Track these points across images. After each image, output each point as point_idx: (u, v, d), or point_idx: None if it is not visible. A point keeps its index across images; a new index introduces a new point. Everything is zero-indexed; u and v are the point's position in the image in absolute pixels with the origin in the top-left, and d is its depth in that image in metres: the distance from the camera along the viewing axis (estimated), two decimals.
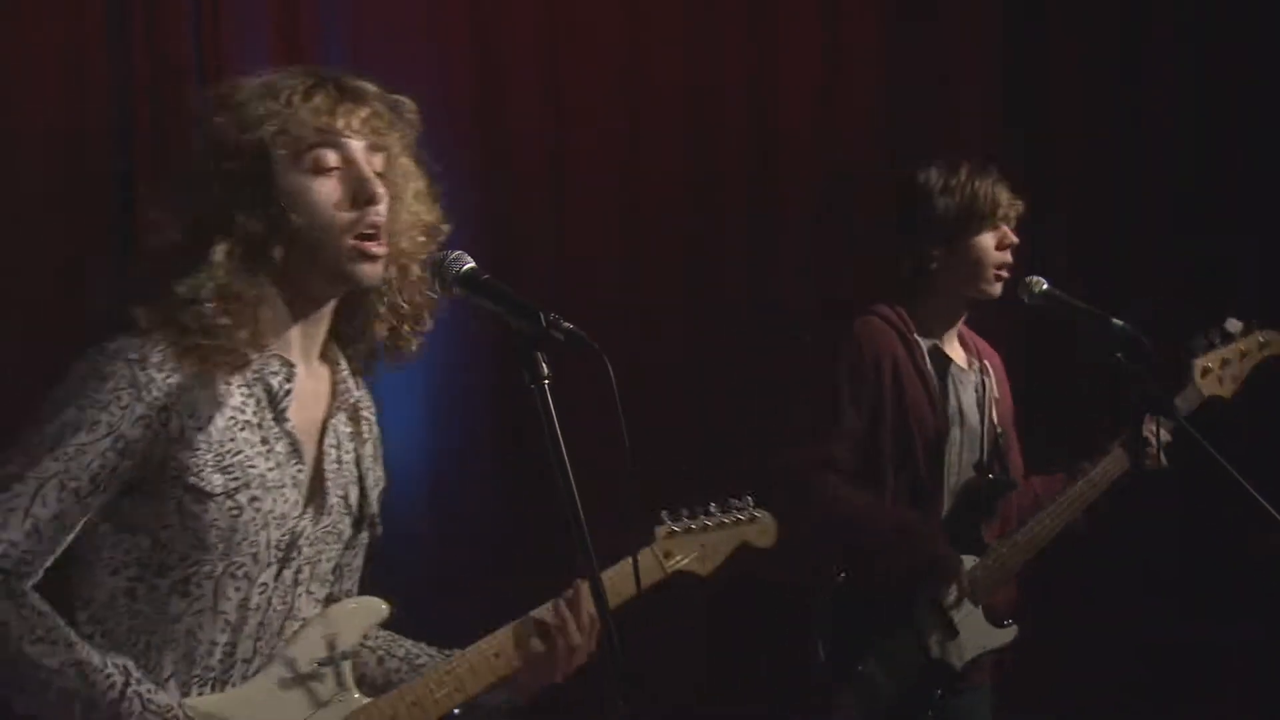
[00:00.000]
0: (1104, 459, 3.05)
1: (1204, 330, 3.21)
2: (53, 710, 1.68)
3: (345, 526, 1.90)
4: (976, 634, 2.97)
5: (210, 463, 1.73)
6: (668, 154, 8.55)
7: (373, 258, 1.79)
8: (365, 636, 1.95)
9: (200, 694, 1.76)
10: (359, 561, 1.96)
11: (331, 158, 1.78)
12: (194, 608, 1.75)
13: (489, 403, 5.33)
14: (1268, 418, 3.54)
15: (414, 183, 1.90)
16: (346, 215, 1.78)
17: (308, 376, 1.86)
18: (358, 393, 1.96)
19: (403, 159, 1.88)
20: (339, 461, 1.89)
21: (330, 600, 1.89)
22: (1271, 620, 4.94)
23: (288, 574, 1.81)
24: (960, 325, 3.11)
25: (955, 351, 3.08)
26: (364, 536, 1.95)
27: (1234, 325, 3.18)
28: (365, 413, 1.98)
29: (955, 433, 3.01)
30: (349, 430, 1.93)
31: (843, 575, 2.99)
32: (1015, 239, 3.03)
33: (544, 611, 2.02)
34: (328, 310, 1.86)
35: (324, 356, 1.91)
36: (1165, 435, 3.00)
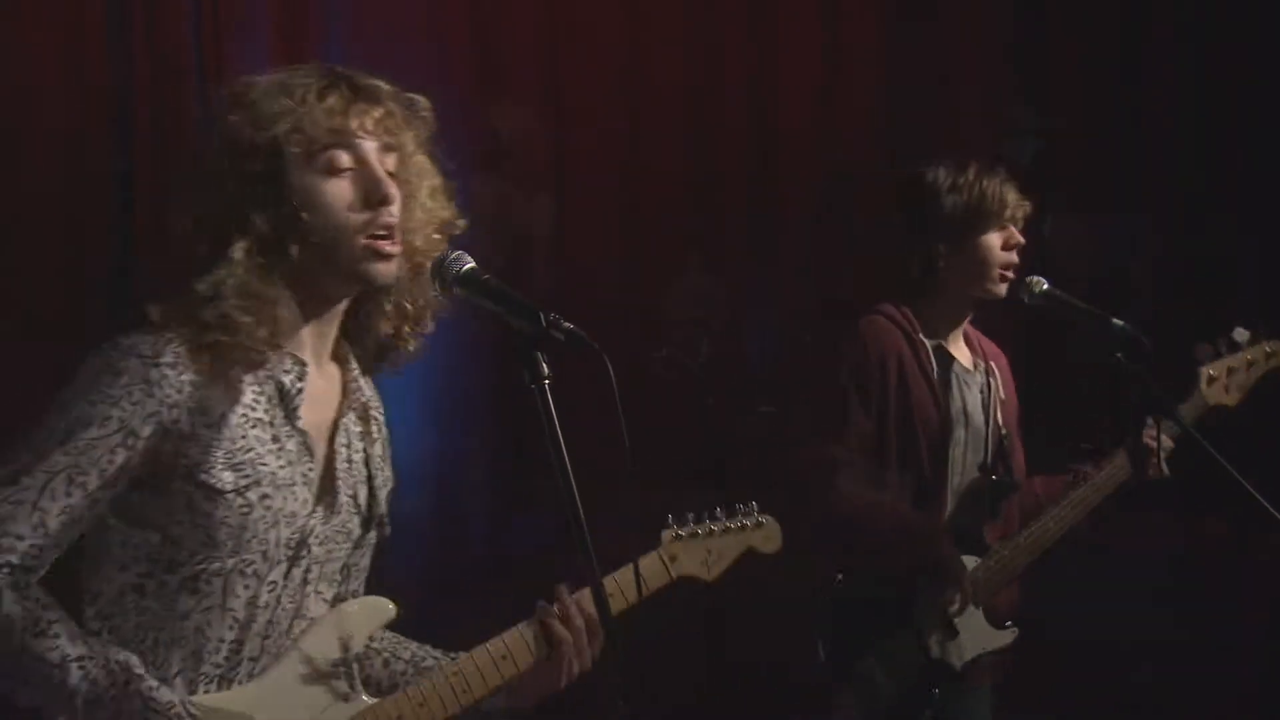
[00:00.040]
0: (1108, 464, 3.04)
1: (1211, 338, 3.21)
2: (56, 704, 1.68)
3: (354, 526, 1.90)
4: (977, 635, 2.96)
5: (221, 460, 1.72)
6: (668, 154, 8.56)
7: (386, 257, 1.78)
8: (371, 638, 1.95)
9: (206, 691, 1.76)
10: (366, 562, 1.96)
11: (344, 159, 1.78)
12: (203, 605, 1.75)
13: (489, 403, 5.34)
14: (1267, 418, 3.53)
15: (428, 180, 1.89)
16: (359, 216, 1.78)
17: (319, 375, 1.86)
18: (369, 392, 1.96)
19: (417, 157, 1.87)
20: (349, 461, 1.89)
21: (337, 600, 1.89)
22: (1272, 620, 4.94)
23: (297, 573, 1.81)
24: (966, 325, 3.10)
25: (960, 352, 3.08)
26: (372, 536, 1.94)
27: (1241, 334, 3.18)
28: (375, 413, 1.98)
29: (959, 432, 3.01)
30: (359, 430, 1.93)
31: (840, 577, 2.99)
32: (1022, 239, 3.03)
33: (550, 616, 2.01)
34: (340, 309, 1.86)
35: (335, 356, 1.91)
36: (1168, 442, 2.99)
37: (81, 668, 1.66)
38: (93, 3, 7.45)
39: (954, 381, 3.02)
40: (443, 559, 5.18)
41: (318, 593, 1.84)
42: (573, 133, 7.68)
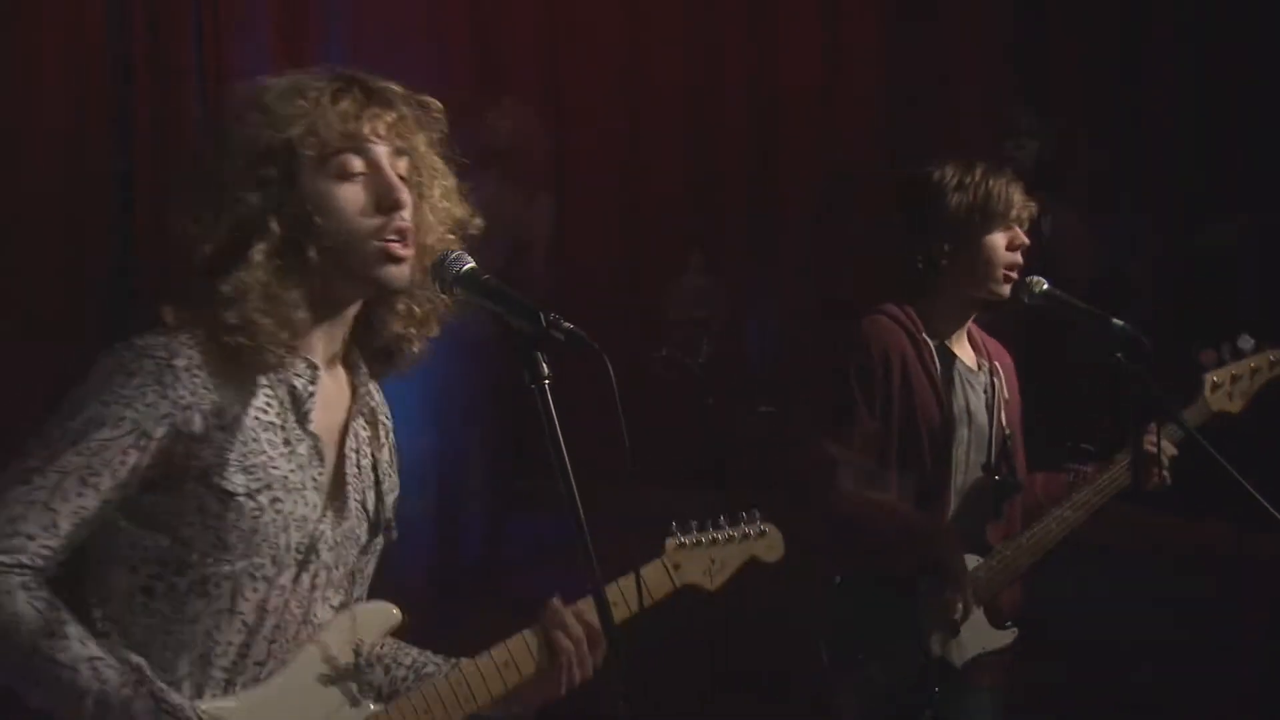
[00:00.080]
0: (1110, 467, 3.04)
1: (1211, 340, 3.22)
2: (65, 706, 1.68)
3: (362, 532, 1.89)
4: (977, 634, 2.96)
5: (233, 462, 1.72)
6: (668, 154, 8.58)
7: (398, 260, 1.78)
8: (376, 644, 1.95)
9: (213, 695, 1.75)
10: (370, 569, 1.95)
11: (357, 163, 1.78)
12: (212, 608, 1.74)
13: (489, 403, 5.34)
14: (1267, 419, 3.54)
15: (440, 181, 1.89)
16: (372, 221, 1.78)
17: (329, 379, 1.85)
18: (378, 398, 1.96)
19: (429, 159, 1.87)
20: (358, 466, 1.89)
21: (343, 606, 1.89)
22: (1272, 620, 4.94)
23: (305, 578, 1.80)
24: (970, 325, 3.10)
25: (964, 351, 3.08)
26: (378, 543, 1.94)
27: (1246, 342, 3.19)
28: (383, 418, 1.98)
29: (963, 432, 3.01)
30: (367, 435, 1.92)
31: (839, 580, 2.99)
32: (1026, 240, 3.02)
33: (553, 625, 2.01)
34: (351, 313, 1.86)
35: (344, 360, 1.91)
36: (1170, 449, 2.99)
37: (93, 668, 1.66)
38: (93, 3, 7.45)
39: (957, 381, 3.01)
40: (441, 560, 5.18)
41: (325, 598, 1.84)
42: (573, 133, 7.69)
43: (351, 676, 1.84)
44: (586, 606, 1.98)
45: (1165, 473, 2.94)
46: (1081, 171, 6.36)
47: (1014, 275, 2.96)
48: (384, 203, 1.76)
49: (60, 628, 1.66)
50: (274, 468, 1.74)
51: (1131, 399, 2.81)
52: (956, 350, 3.04)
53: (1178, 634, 4.82)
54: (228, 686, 1.75)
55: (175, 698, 1.68)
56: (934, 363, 2.97)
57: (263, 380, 1.76)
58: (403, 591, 2.01)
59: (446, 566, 5.03)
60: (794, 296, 7.54)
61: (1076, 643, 4.69)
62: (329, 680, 1.82)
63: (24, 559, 1.66)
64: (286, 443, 1.77)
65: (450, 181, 1.87)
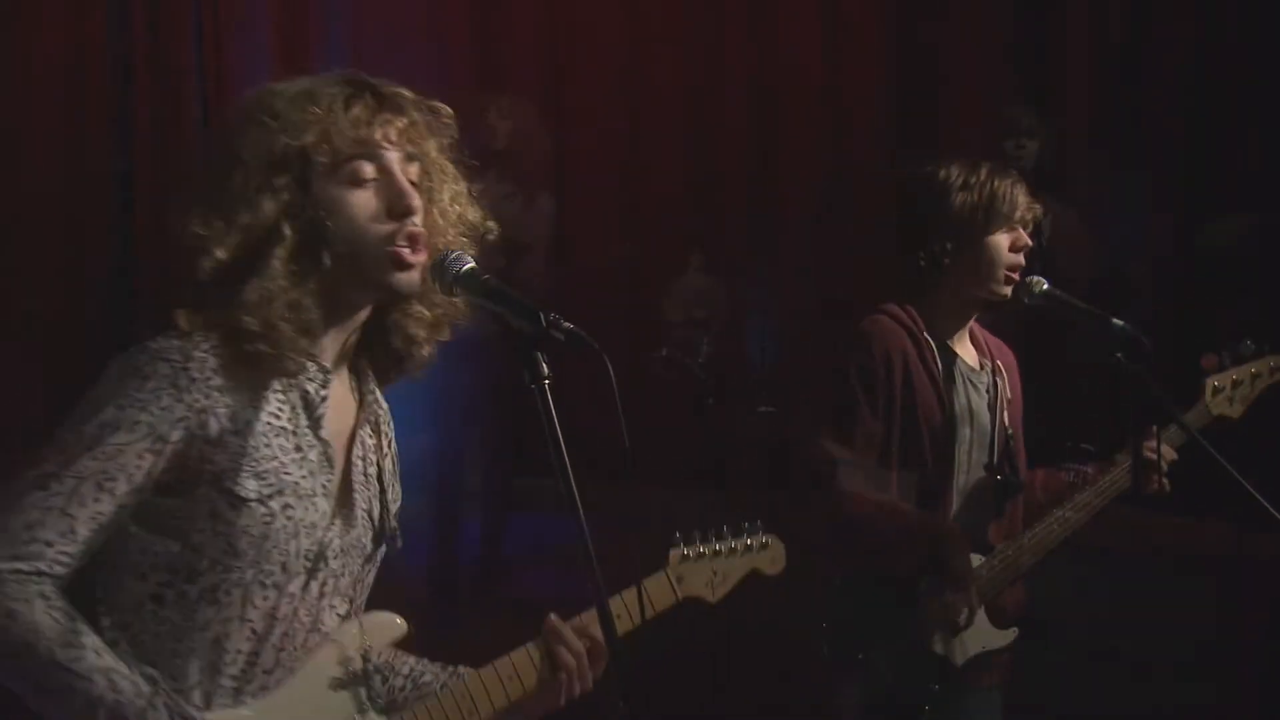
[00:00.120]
0: (1112, 469, 3.05)
1: (1212, 342, 3.23)
2: (79, 716, 1.68)
3: (367, 541, 1.89)
4: (979, 633, 2.97)
5: (246, 467, 1.72)
6: (668, 154, 8.58)
7: (409, 266, 1.79)
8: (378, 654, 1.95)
9: (223, 704, 1.75)
10: (371, 578, 1.95)
11: (368, 169, 1.79)
12: (222, 615, 1.74)
13: (489, 403, 5.34)
14: (1267, 420, 3.54)
15: (452, 184, 1.90)
16: (384, 227, 1.78)
17: (338, 385, 1.86)
18: (383, 404, 1.96)
19: (440, 162, 1.87)
20: (365, 475, 1.89)
21: (349, 614, 1.89)
22: (1272, 620, 4.94)
23: (314, 585, 1.80)
24: (972, 325, 3.10)
25: (966, 351, 3.08)
26: (381, 552, 1.94)
27: (1247, 347, 3.20)
28: (385, 427, 1.98)
29: (965, 431, 3.01)
30: (373, 443, 1.93)
31: (839, 580, 2.99)
32: (1030, 242, 3.03)
33: (556, 640, 2.01)
34: (361, 318, 1.86)
35: (351, 367, 1.91)
36: (1170, 453, 2.99)
37: (108, 679, 1.65)
38: (93, 3, 7.45)
39: (958, 380, 3.01)
40: (441, 560, 5.18)
41: (332, 606, 1.84)
42: (573, 133, 7.69)
43: (358, 686, 1.85)
44: (589, 620, 1.98)
45: (1164, 479, 2.94)
46: (1082, 172, 6.37)
47: (1015, 276, 2.96)
48: (396, 208, 1.76)
49: (77, 638, 1.65)
50: (286, 473, 1.74)
51: (1131, 399, 2.82)
52: (958, 350, 3.04)
53: (1177, 635, 4.82)
54: (237, 695, 1.75)
55: (189, 710, 1.68)
56: (935, 362, 2.97)
57: (275, 385, 1.75)
58: (402, 592, 2.01)
59: (446, 566, 5.02)
60: (794, 296, 7.54)
61: (1076, 643, 4.69)
62: (337, 689, 1.82)
63: (42, 566, 1.65)
64: (298, 448, 1.76)
65: (461, 186, 1.87)
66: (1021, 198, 2.98)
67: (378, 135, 1.77)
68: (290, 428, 1.76)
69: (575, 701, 2.01)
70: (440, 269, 1.76)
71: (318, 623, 1.82)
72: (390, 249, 1.75)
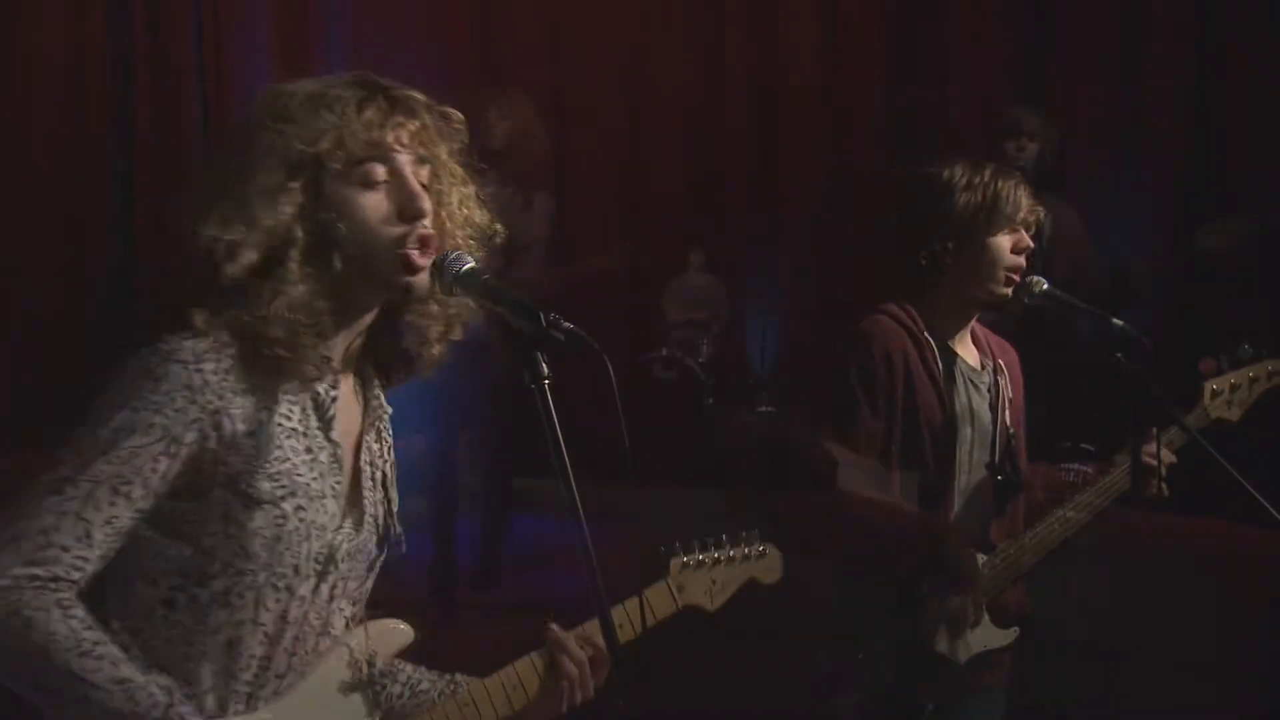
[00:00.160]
0: (1112, 469, 3.05)
1: (1214, 352, 3.24)
2: None
3: (372, 545, 1.90)
4: (981, 632, 2.97)
5: (260, 469, 1.71)
6: (668, 154, 8.59)
7: (418, 269, 1.79)
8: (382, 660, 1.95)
9: (236, 709, 1.75)
10: (371, 583, 1.95)
11: (380, 172, 1.78)
12: (234, 619, 1.73)
13: (489, 403, 5.34)
14: (1267, 420, 3.55)
15: (461, 188, 1.90)
16: (395, 230, 1.78)
17: (345, 387, 1.86)
18: (389, 408, 1.96)
19: (450, 166, 1.87)
20: (372, 480, 1.89)
21: (354, 617, 1.89)
22: (1272, 620, 4.95)
23: (324, 588, 1.80)
24: (973, 324, 3.11)
25: (967, 351, 3.08)
26: (383, 556, 1.94)
27: (1245, 351, 3.21)
28: (386, 433, 1.98)
29: (966, 431, 3.01)
30: (378, 447, 1.93)
31: (839, 580, 2.99)
32: (1031, 244, 3.04)
33: (559, 649, 2.02)
34: (367, 320, 1.86)
35: (356, 370, 1.91)
36: (1169, 456, 3.00)
37: (125, 690, 1.64)
38: (93, 3, 7.45)
39: (959, 380, 3.02)
40: (441, 560, 5.18)
41: (340, 609, 1.84)
42: (573, 133, 7.69)
43: (365, 691, 1.85)
44: (592, 630, 1.99)
45: (1163, 485, 2.95)
46: (1082, 172, 6.36)
47: (1016, 278, 2.97)
48: (406, 211, 1.76)
49: (95, 648, 1.64)
50: (298, 475, 1.74)
51: (1132, 399, 2.82)
52: (959, 350, 3.04)
53: (1177, 634, 4.82)
54: (250, 699, 1.75)
55: None
56: (936, 363, 2.97)
57: (286, 386, 1.75)
58: (401, 592, 2.01)
59: (445, 566, 5.02)
60: (794, 296, 7.55)
61: (1076, 643, 4.69)
62: (347, 694, 1.83)
63: (59, 571, 1.64)
64: (309, 450, 1.76)
65: (470, 189, 1.87)
66: (1025, 200, 2.98)
67: (390, 138, 1.77)
68: (301, 429, 1.76)
69: (576, 708, 2.02)
70: (440, 269, 1.76)
71: (328, 626, 1.82)
72: (401, 251, 1.75)
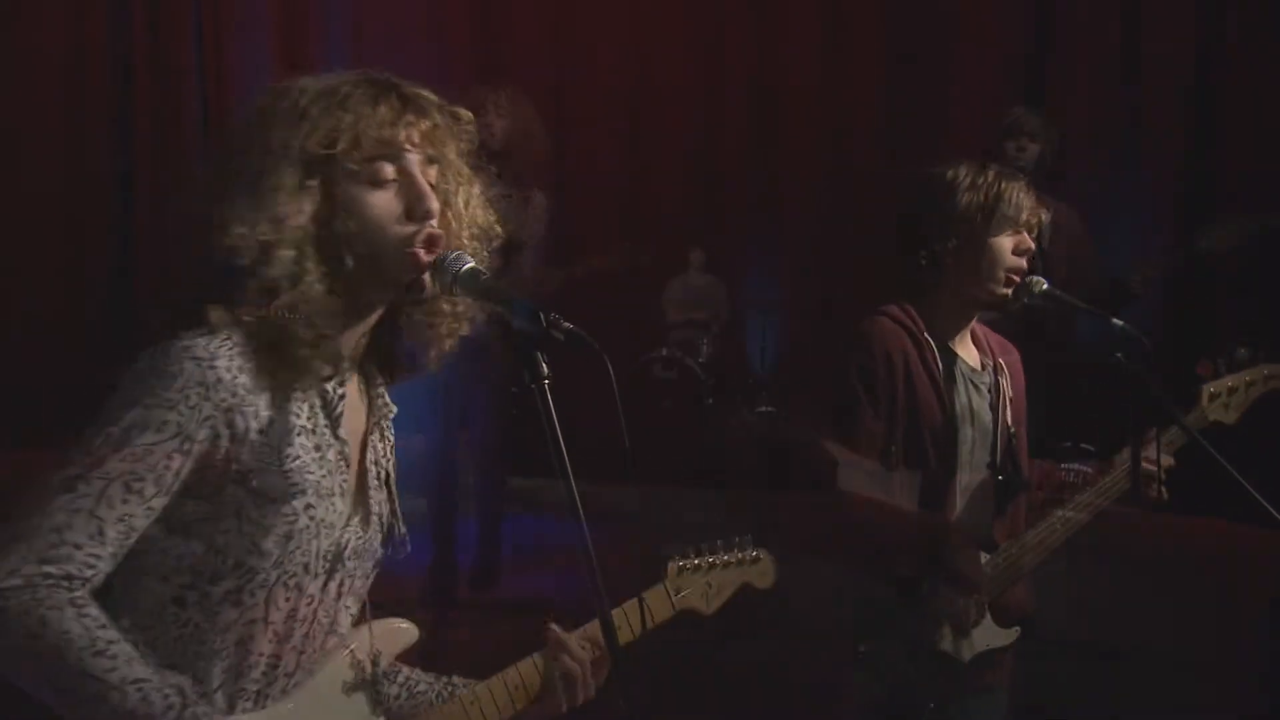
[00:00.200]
0: (1112, 470, 3.06)
1: (1212, 356, 3.25)
2: None
3: (377, 543, 1.90)
4: (983, 631, 2.97)
5: (272, 466, 1.71)
6: (668, 154, 8.60)
7: (426, 268, 1.79)
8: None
9: (244, 708, 1.75)
10: (370, 581, 1.96)
11: (389, 170, 1.78)
12: (245, 617, 1.73)
13: (488, 403, 5.33)
14: (1267, 420, 3.55)
15: (468, 188, 1.90)
16: (403, 229, 1.78)
17: (350, 385, 1.86)
18: (393, 407, 1.96)
19: (459, 165, 1.88)
20: (378, 479, 1.89)
21: (359, 615, 1.89)
22: (1272, 620, 4.95)
23: (332, 585, 1.80)
24: (974, 325, 3.11)
25: (967, 351, 3.08)
26: (385, 555, 1.94)
27: (1242, 354, 3.22)
28: (388, 433, 1.98)
29: (966, 431, 3.01)
30: (383, 446, 1.93)
31: (839, 580, 2.99)
32: (1032, 246, 3.04)
33: (561, 650, 2.03)
34: (374, 319, 1.86)
35: (361, 368, 1.91)
36: (1168, 460, 3.00)
37: (139, 690, 1.64)
38: (93, 3, 7.45)
39: (959, 381, 3.02)
40: (439, 559, 5.17)
41: (346, 607, 1.84)
42: (573, 133, 7.70)
43: (368, 691, 1.85)
44: (593, 631, 1.99)
45: (1163, 488, 2.95)
46: (1082, 172, 6.36)
47: (1016, 279, 2.97)
48: (415, 210, 1.76)
49: (109, 647, 1.64)
50: (308, 472, 1.73)
51: (1131, 399, 2.82)
52: (959, 350, 3.05)
53: (1177, 634, 4.82)
54: (258, 698, 1.75)
55: None
56: (936, 363, 2.98)
57: (297, 384, 1.75)
58: (400, 591, 2.01)
59: (445, 566, 5.02)
60: (794, 296, 7.55)
61: (1076, 643, 4.69)
62: (352, 693, 1.83)
63: (71, 569, 1.63)
64: (317, 448, 1.76)
65: (477, 189, 1.87)
66: (1027, 201, 2.98)
67: (401, 137, 1.77)
68: (310, 426, 1.76)
69: (576, 709, 2.03)
70: (441, 268, 1.76)
71: (335, 624, 1.82)
72: (409, 250, 1.75)
